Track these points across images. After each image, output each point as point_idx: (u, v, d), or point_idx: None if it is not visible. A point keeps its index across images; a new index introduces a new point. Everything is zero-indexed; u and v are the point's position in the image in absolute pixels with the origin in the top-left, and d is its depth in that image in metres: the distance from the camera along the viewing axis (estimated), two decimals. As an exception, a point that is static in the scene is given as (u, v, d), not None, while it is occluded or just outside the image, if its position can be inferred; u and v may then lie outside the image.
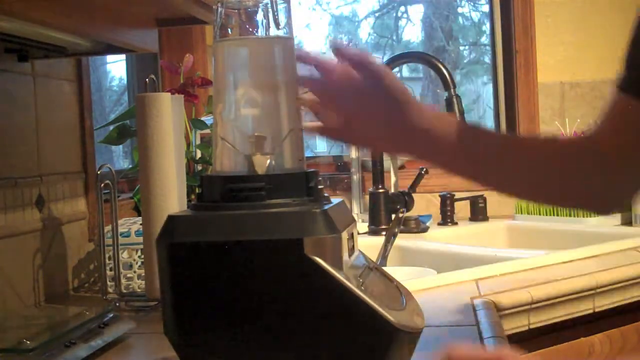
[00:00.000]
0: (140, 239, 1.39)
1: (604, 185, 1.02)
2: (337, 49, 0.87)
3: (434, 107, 1.01)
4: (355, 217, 1.74)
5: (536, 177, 1.02)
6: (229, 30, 0.81)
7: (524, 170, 1.02)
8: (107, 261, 1.41)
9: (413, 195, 2.08)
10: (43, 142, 1.45)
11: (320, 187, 0.78)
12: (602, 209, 1.20)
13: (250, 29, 0.82)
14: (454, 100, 1.91)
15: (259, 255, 0.71)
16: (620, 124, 1.00)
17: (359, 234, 0.89)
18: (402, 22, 3.32)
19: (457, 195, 2.15)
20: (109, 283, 1.41)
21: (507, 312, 1.29)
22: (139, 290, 1.43)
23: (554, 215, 2.09)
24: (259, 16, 0.81)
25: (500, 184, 1.05)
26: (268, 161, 0.77)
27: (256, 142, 0.77)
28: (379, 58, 3.11)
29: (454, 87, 1.93)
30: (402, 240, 1.85)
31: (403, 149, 1.01)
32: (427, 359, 0.74)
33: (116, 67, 2.43)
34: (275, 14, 0.80)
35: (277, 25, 0.81)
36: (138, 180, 1.46)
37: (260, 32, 0.82)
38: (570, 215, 2.06)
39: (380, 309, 0.73)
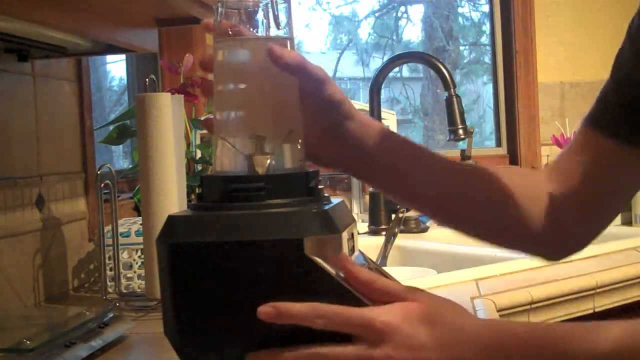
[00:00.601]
0: (140, 239, 1.39)
1: (557, 223, 0.95)
2: (270, 52, 0.77)
3: (379, 123, 0.89)
4: (355, 217, 1.74)
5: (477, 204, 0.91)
6: (229, 30, 0.81)
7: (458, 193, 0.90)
8: (107, 261, 1.41)
9: (413, 195, 2.07)
10: (43, 142, 1.45)
11: (320, 187, 0.78)
12: (551, 254, 1.03)
13: (251, 29, 0.81)
14: (454, 100, 1.91)
15: (259, 255, 0.71)
16: (587, 159, 0.92)
17: (359, 234, 0.89)
18: (402, 22, 3.33)
19: (457, 195, 2.14)
20: (109, 283, 1.41)
21: (507, 312, 1.29)
22: (139, 290, 1.43)
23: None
24: (259, 16, 0.81)
25: (435, 208, 0.93)
26: (268, 161, 0.76)
27: (256, 142, 0.77)
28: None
29: (454, 87, 1.93)
30: (402, 240, 1.86)
31: (332, 162, 0.89)
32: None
33: (116, 67, 2.42)
34: (276, 14, 0.80)
35: (277, 25, 0.80)
36: (138, 180, 1.46)
37: (260, 32, 0.82)
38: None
39: (380, 309, 0.73)
